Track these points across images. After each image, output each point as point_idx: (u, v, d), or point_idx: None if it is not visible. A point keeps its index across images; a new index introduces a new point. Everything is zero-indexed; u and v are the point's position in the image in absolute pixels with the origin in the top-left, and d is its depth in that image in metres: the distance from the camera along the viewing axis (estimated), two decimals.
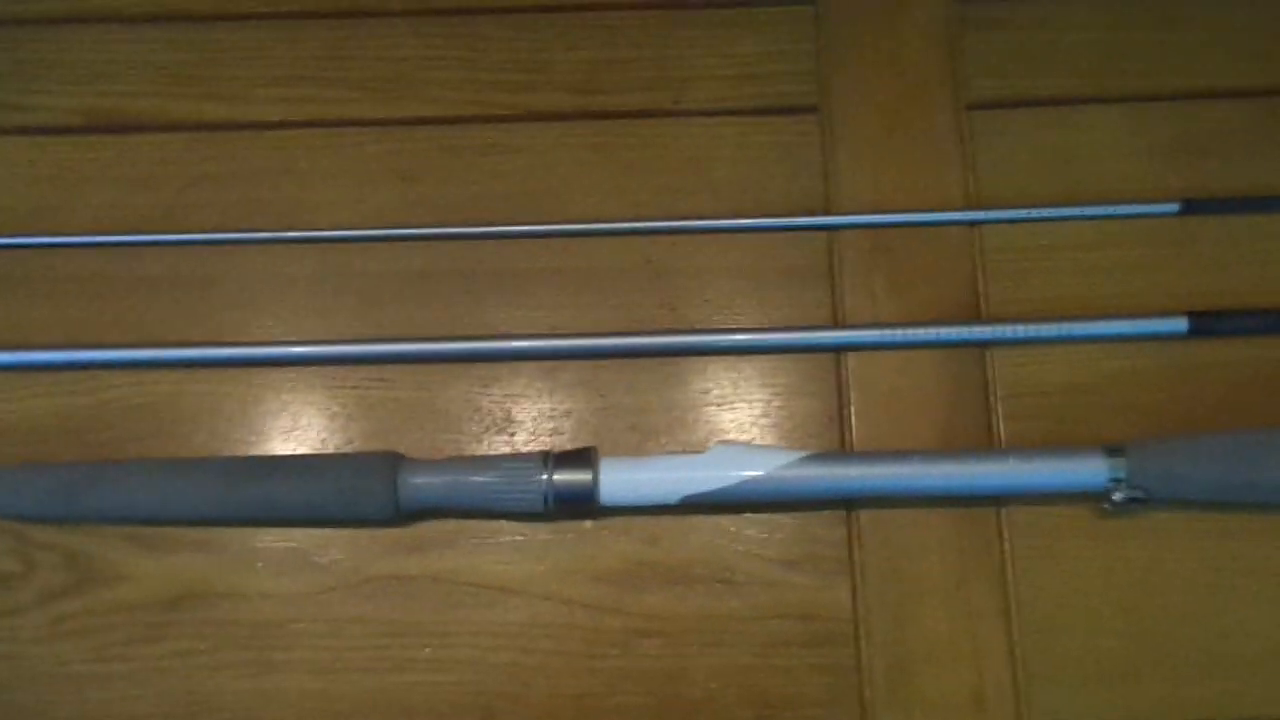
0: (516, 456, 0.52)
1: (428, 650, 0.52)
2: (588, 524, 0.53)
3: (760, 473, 0.51)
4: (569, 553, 0.53)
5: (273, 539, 0.53)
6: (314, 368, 0.56)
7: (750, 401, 0.54)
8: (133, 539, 0.54)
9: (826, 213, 0.56)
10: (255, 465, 0.53)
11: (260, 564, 0.53)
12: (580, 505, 0.52)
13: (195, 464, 0.53)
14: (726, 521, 0.53)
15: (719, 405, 0.54)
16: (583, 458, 0.51)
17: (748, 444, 0.53)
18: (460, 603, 0.52)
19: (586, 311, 0.56)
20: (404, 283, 0.57)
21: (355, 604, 0.52)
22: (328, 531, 0.54)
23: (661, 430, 0.54)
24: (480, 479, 0.51)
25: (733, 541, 0.53)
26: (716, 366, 0.55)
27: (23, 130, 0.60)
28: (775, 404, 0.54)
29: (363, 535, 0.53)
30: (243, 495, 0.52)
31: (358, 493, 0.51)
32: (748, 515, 0.53)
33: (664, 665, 0.51)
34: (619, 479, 0.51)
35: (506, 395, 0.55)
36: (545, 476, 0.51)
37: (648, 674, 0.51)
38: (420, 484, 0.51)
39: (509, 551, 0.53)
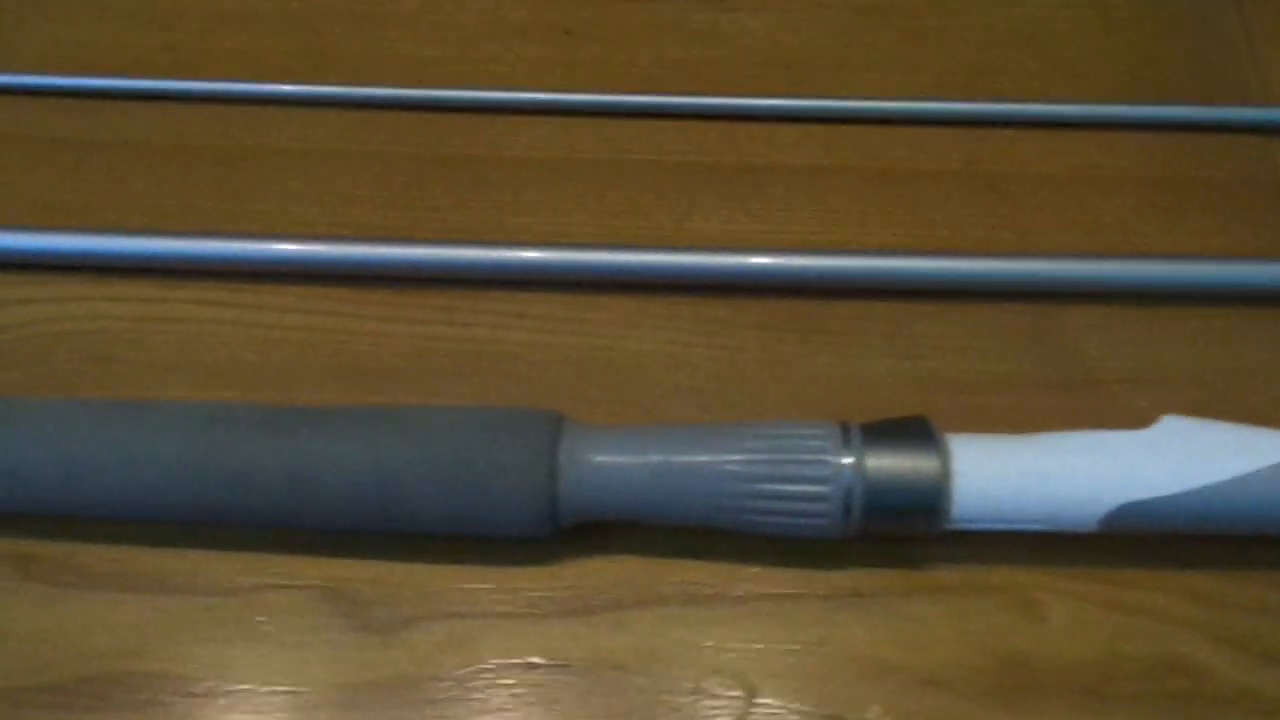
0: (787, 425, 0.28)
1: None
2: (904, 574, 0.28)
3: (1259, 466, 0.27)
4: (879, 626, 0.27)
5: (290, 572, 0.28)
6: (400, 291, 0.32)
7: (1169, 369, 0.31)
8: (13, 562, 0.28)
9: (1252, 102, 0.35)
10: (273, 414, 0.28)
11: (261, 618, 0.28)
12: (912, 520, 0.26)
13: (157, 410, 0.28)
14: (1177, 580, 0.28)
15: (1122, 378, 0.30)
16: (914, 432, 0.27)
17: (1223, 423, 0.29)
18: None
19: (872, 228, 0.33)
20: (564, 173, 0.34)
21: (452, 717, 0.26)
22: (403, 563, 0.28)
23: (1014, 404, 0.30)
24: (719, 461, 0.27)
25: (1191, 616, 0.27)
26: (1102, 316, 0.31)
27: None
28: (1213, 376, 0.30)
29: (466, 577, 0.28)
30: (244, 465, 0.26)
31: (477, 473, 0.26)
32: (1213, 570, 0.28)
33: None
34: (987, 474, 0.26)
35: (734, 345, 0.31)
36: (848, 460, 0.26)
37: None
38: (602, 465, 0.26)
39: (763, 619, 0.27)
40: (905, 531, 0.27)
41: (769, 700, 0.26)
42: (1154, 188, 0.34)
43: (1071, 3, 0.37)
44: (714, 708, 0.26)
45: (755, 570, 0.28)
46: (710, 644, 0.27)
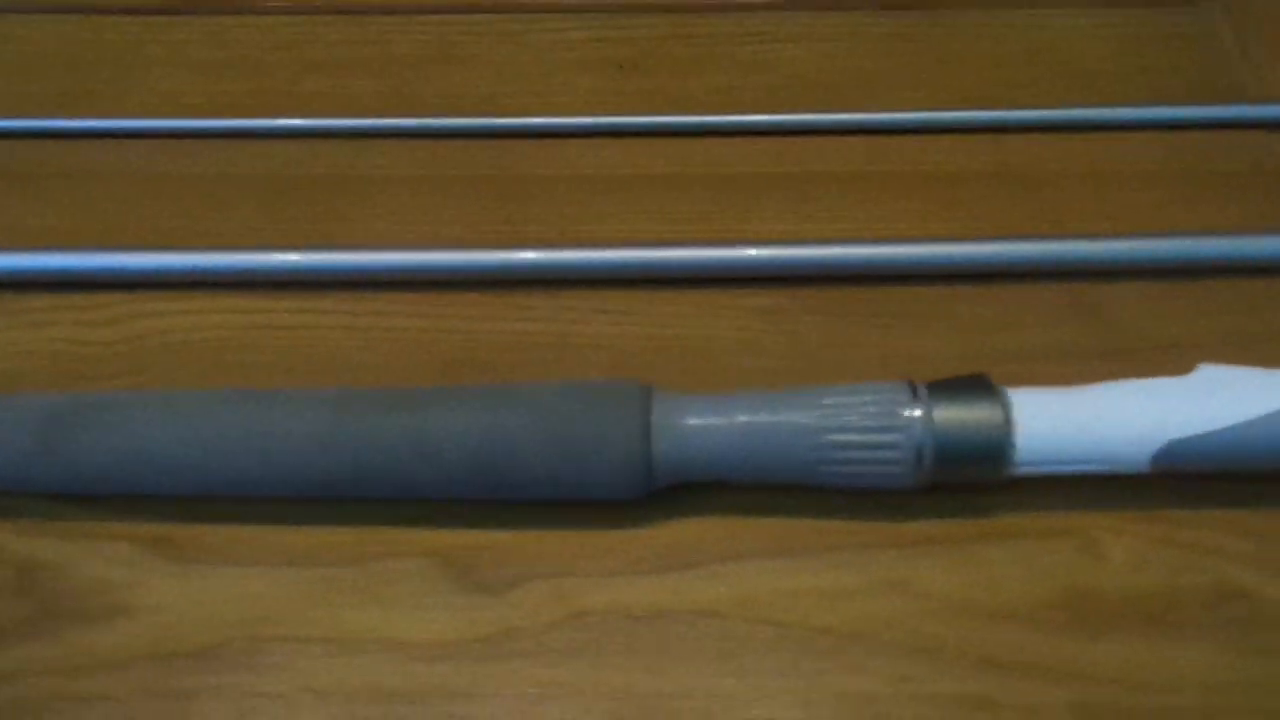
0: (860, 386, 0.30)
1: None
2: (973, 522, 0.30)
3: None
4: (953, 570, 0.29)
5: (403, 542, 0.30)
6: (488, 294, 0.34)
7: (1201, 335, 0.33)
8: (150, 544, 0.30)
9: (1249, 101, 0.38)
10: (394, 393, 0.30)
11: (377, 585, 0.29)
12: (978, 465, 0.29)
13: (285, 395, 0.31)
14: (1227, 518, 0.30)
15: (1158, 345, 0.33)
16: (976, 386, 0.29)
17: (1255, 368, 0.31)
18: (761, 664, 0.28)
19: (915, 224, 0.36)
20: (630, 188, 0.37)
21: (561, 663, 0.28)
22: (507, 530, 0.30)
23: (1060, 371, 0.30)
24: (800, 420, 0.29)
25: (1242, 549, 0.29)
26: (1137, 290, 0.34)
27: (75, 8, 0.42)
28: (1241, 338, 0.33)
29: (566, 540, 0.30)
30: (370, 439, 0.29)
31: (579, 438, 0.28)
32: (1259, 508, 0.30)
33: None
34: (1045, 420, 0.29)
35: (798, 329, 0.33)
36: (917, 413, 0.29)
37: None
38: (691, 427, 0.29)
39: (847, 566, 0.29)
40: (973, 478, 0.29)
41: (858, 638, 0.28)
42: (1169, 180, 0.37)
43: (1084, 26, 0.41)
44: (809, 648, 0.28)
45: (837, 524, 0.30)
46: (801, 590, 0.29)
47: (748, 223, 0.36)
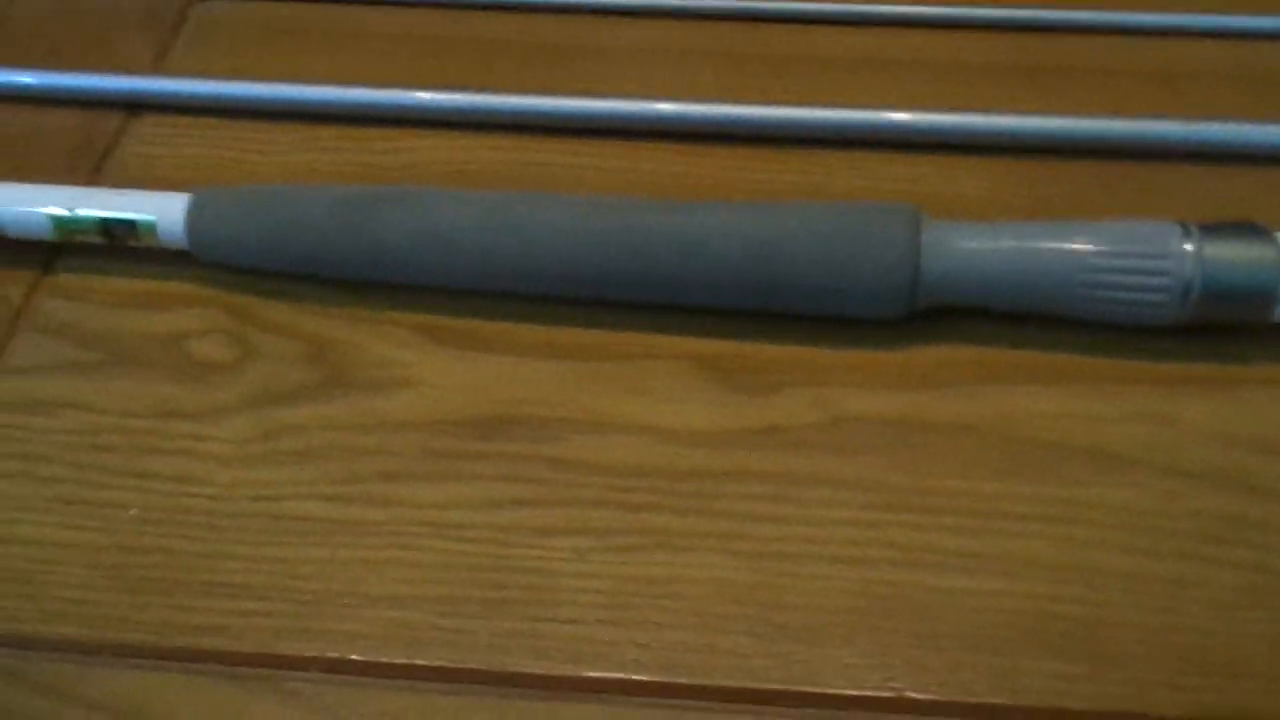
0: (1129, 221, 0.30)
1: (966, 539, 0.27)
2: (1231, 367, 0.30)
3: None
4: (1217, 408, 0.29)
5: (666, 346, 0.31)
6: (737, 148, 0.36)
7: None
8: (427, 332, 0.32)
9: None
10: (664, 201, 0.32)
11: (642, 379, 0.30)
12: (1246, 307, 0.29)
13: (567, 196, 0.32)
14: None
15: None
16: (1248, 228, 0.29)
17: None
18: (1019, 471, 0.28)
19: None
20: (872, 72, 0.39)
21: (820, 457, 0.29)
22: (768, 343, 0.31)
23: None
24: (1069, 248, 0.30)
25: None
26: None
27: None
28: None
29: (825, 356, 0.31)
30: (641, 235, 0.30)
31: (849, 245, 0.29)
32: None
33: None
34: None
35: (1043, 194, 0.34)
36: (1189, 247, 0.29)
37: None
38: (960, 249, 0.29)
39: (1107, 396, 0.29)
40: (1236, 319, 0.29)
41: (1120, 458, 0.28)
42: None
43: None
44: (1068, 462, 0.28)
45: (1093, 359, 0.30)
46: (1060, 413, 0.29)
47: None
